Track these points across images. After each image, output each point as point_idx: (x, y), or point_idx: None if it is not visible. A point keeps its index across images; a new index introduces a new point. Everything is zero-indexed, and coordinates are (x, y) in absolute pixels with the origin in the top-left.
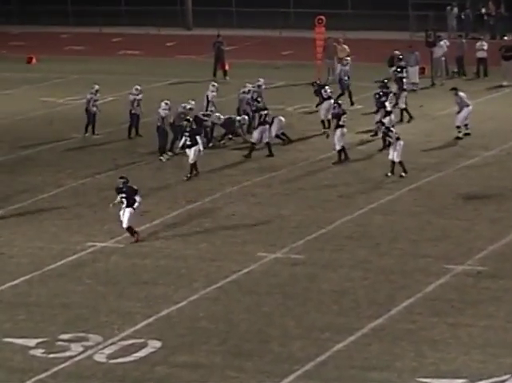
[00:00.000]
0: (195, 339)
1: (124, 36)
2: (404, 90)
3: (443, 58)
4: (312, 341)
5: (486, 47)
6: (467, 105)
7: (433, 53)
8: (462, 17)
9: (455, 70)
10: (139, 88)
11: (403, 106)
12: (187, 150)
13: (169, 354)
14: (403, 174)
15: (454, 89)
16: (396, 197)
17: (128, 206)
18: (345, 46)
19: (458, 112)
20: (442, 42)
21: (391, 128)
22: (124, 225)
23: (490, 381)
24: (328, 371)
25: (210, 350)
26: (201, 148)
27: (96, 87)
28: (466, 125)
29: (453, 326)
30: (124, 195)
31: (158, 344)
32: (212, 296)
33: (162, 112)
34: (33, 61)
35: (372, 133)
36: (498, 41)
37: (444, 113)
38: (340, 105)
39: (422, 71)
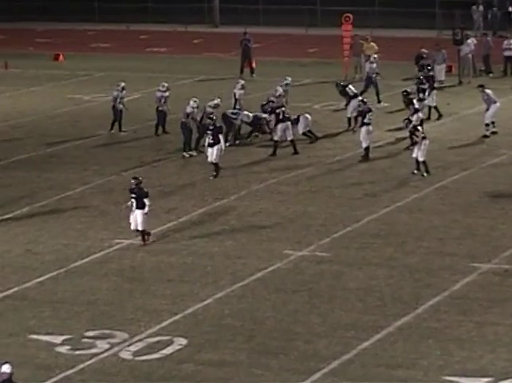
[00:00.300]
0: (221, 337)
1: (151, 33)
2: (434, 88)
3: (471, 56)
4: (337, 339)
5: None
6: (495, 102)
7: (460, 51)
8: (489, 15)
9: (482, 68)
10: (166, 85)
11: (434, 104)
12: (209, 149)
13: (195, 352)
14: (425, 174)
15: (481, 86)
16: (422, 195)
17: (137, 208)
18: (373, 44)
19: (487, 110)
20: (469, 40)
21: (418, 127)
22: (140, 227)
23: None
24: (354, 369)
25: (236, 348)
26: (223, 147)
27: (122, 84)
28: (493, 123)
29: (479, 325)
30: (134, 196)
31: (184, 341)
32: (238, 293)
33: (188, 109)
34: (60, 57)
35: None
36: None
37: (471, 112)
38: (365, 103)
39: (449, 69)
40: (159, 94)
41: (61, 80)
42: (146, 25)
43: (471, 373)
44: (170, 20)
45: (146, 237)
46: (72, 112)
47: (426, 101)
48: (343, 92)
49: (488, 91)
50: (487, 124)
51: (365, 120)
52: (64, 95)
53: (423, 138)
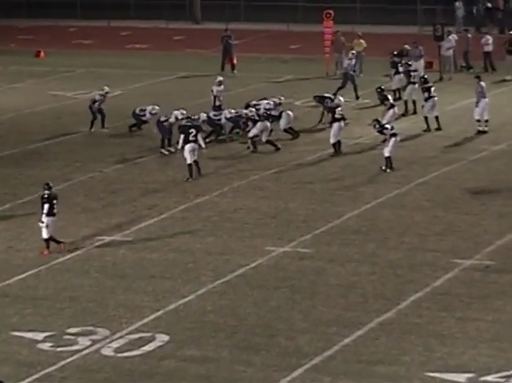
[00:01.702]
0: (203, 333)
1: (133, 29)
2: (413, 83)
3: (451, 52)
4: (319, 336)
5: (491, 41)
6: (484, 97)
7: (441, 47)
8: (474, 11)
9: (463, 65)
10: (156, 109)
11: (414, 99)
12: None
13: (177, 348)
14: (388, 170)
15: (478, 77)
16: (404, 191)
17: (48, 215)
18: (362, 41)
19: (477, 104)
20: (450, 37)
21: (386, 125)
22: (44, 235)
23: (498, 375)
24: (335, 365)
25: (218, 344)
26: (178, 147)
27: (107, 89)
28: (486, 121)
29: (461, 321)
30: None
31: (165, 338)
32: (220, 290)
33: (171, 118)
34: (42, 54)
35: (423, 129)
36: (507, 35)
37: (452, 107)
38: (332, 99)
39: (430, 65)
40: (148, 116)
41: (43, 77)
42: (127, 22)
43: (453, 368)
44: (151, 16)
45: (57, 244)
46: (54, 108)
47: (405, 97)
48: (320, 99)
49: (483, 84)
50: (478, 120)
51: (336, 116)
52: (46, 91)
53: (392, 135)
